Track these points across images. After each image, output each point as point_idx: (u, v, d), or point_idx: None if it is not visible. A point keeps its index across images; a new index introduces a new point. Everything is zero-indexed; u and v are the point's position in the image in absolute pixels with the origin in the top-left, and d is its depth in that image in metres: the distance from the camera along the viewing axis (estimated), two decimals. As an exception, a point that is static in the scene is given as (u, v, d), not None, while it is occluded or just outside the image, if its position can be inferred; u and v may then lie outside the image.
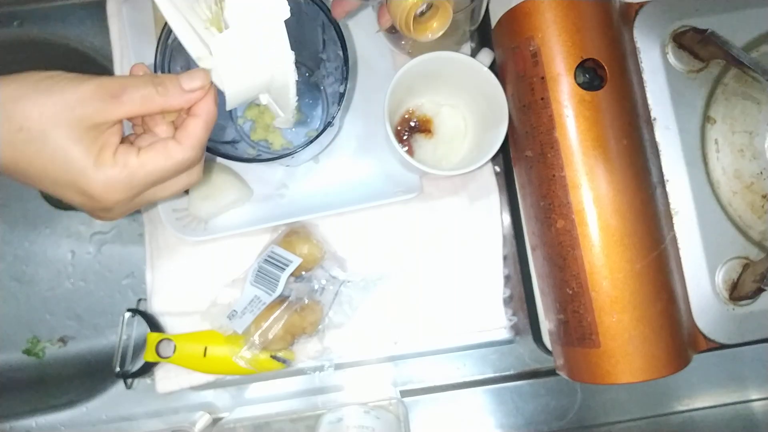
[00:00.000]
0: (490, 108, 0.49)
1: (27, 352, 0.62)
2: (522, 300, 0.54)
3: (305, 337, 0.51)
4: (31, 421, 0.55)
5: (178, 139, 0.33)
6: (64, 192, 0.32)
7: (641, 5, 0.47)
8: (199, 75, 0.33)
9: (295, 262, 0.49)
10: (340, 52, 0.45)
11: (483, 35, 0.55)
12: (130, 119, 0.33)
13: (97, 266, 0.63)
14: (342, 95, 0.45)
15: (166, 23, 0.43)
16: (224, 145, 0.49)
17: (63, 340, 0.62)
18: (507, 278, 0.54)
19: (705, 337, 0.45)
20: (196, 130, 0.33)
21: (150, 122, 0.34)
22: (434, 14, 0.36)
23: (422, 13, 0.34)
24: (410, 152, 0.53)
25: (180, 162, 0.33)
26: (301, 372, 0.54)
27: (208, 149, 0.44)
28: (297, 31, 0.50)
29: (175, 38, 0.44)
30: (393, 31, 0.51)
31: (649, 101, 0.46)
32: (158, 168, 0.32)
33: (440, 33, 0.36)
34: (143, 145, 0.33)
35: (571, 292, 0.43)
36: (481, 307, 0.53)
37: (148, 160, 0.32)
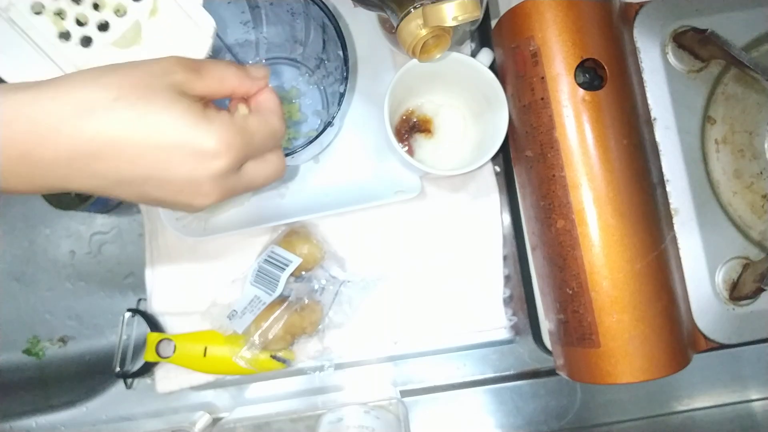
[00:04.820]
0: (490, 108, 0.49)
1: (27, 352, 0.62)
2: (522, 300, 0.54)
3: (305, 337, 0.51)
4: (31, 421, 0.55)
5: (264, 112, 0.33)
6: (171, 159, 0.28)
7: (641, 5, 0.47)
8: (262, 67, 0.34)
9: (295, 262, 0.49)
10: (340, 52, 0.45)
11: (483, 35, 0.55)
12: (203, 97, 0.32)
13: (97, 266, 0.63)
14: (342, 95, 0.45)
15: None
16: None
17: (63, 340, 0.62)
18: (507, 278, 0.54)
19: (705, 337, 0.45)
20: (274, 106, 0.34)
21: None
22: (437, 42, 0.41)
23: (425, 41, 0.40)
24: (410, 152, 0.53)
25: (275, 128, 0.33)
26: (301, 372, 0.54)
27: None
28: (297, 31, 0.51)
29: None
30: (393, 31, 0.51)
31: (649, 101, 0.46)
32: (261, 128, 0.32)
33: (439, 57, 0.42)
34: None
35: (571, 292, 0.43)
36: (481, 307, 0.53)
37: (249, 120, 0.31)
